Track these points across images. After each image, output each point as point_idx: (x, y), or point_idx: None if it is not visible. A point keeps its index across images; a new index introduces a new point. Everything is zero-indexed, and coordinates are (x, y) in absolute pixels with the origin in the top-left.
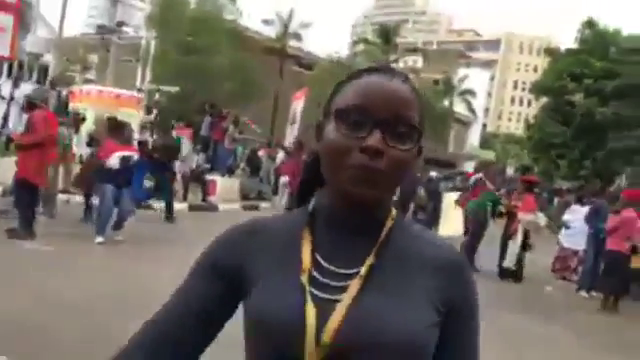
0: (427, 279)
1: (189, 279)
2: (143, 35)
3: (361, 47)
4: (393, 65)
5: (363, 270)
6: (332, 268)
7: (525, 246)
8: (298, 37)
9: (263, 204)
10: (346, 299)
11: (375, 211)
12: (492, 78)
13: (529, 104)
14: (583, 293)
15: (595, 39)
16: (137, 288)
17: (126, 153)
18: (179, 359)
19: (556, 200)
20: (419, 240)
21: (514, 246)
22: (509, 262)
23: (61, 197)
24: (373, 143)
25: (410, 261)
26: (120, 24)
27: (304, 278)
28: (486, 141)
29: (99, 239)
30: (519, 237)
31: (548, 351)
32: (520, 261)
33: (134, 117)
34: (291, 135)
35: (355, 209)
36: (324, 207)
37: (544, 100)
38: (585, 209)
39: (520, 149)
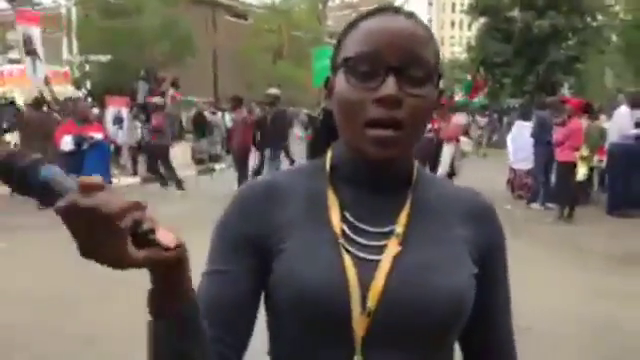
0: (461, 229)
1: (219, 260)
2: (62, 2)
3: None
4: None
5: (399, 228)
6: (365, 227)
7: (450, 175)
8: None
9: (217, 166)
10: (386, 259)
11: (400, 166)
12: (430, 3)
13: (469, 27)
14: (536, 206)
15: None
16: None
17: (84, 135)
18: (242, 346)
19: (505, 119)
20: (445, 190)
21: (447, 155)
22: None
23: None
24: (389, 92)
25: (441, 213)
26: None
27: (338, 237)
28: None
29: None
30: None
31: (517, 265)
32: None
33: (65, 93)
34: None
35: (378, 169)
36: (344, 163)
37: (482, 20)
38: (530, 124)
39: (464, 73)
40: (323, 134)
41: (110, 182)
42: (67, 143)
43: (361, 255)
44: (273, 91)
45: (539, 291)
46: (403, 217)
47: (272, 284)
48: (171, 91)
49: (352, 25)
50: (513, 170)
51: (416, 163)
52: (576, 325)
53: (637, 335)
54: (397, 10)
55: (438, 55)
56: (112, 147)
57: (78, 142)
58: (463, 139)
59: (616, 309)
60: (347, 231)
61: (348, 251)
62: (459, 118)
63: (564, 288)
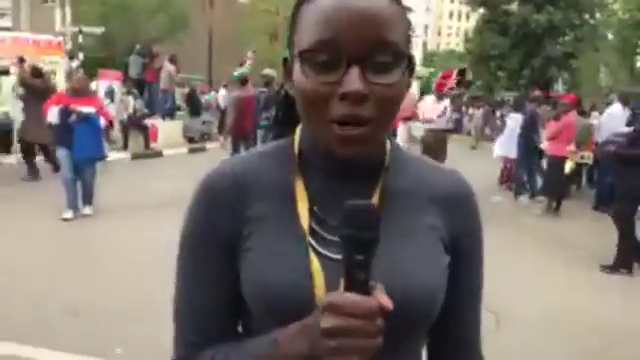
0: (433, 216)
1: (194, 261)
2: None
3: None
4: None
5: None
6: (334, 222)
7: None
8: None
9: (209, 145)
10: None
11: (370, 155)
12: None
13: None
14: (523, 199)
15: None
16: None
17: (73, 107)
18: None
19: (497, 112)
20: (420, 173)
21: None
22: None
23: None
24: (353, 87)
25: (413, 200)
26: None
27: (305, 234)
28: (427, 59)
29: (64, 214)
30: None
31: (502, 255)
32: None
33: (58, 64)
34: None
35: (347, 160)
36: (312, 150)
37: (481, 12)
38: (520, 116)
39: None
40: (285, 114)
41: (104, 157)
42: (53, 115)
43: (329, 254)
44: (268, 71)
45: (521, 281)
46: None
47: (241, 283)
48: (171, 67)
49: None
50: (500, 159)
51: (393, 142)
52: (557, 315)
53: (616, 327)
54: None
55: (409, 30)
56: (104, 122)
57: (63, 115)
58: (416, 123)
59: (595, 302)
60: (315, 227)
61: (315, 250)
62: (413, 93)
63: (545, 279)
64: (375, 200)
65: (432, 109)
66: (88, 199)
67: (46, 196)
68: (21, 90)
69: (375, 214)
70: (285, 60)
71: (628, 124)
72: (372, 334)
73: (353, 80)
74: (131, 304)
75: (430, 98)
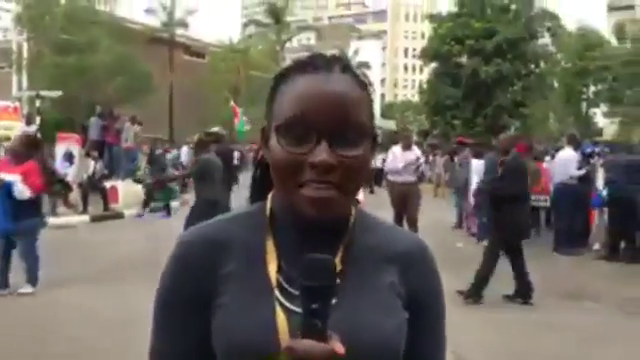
0: (393, 275)
1: (168, 322)
2: (12, 38)
3: (252, 29)
4: (289, 45)
5: None
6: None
7: None
8: (184, 25)
9: (174, 203)
10: None
11: (337, 217)
12: (384, 48)
13: (421, 70)
14: (486, 243)
15: (472, 1)
16: None
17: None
18: None
19: (456, 159)
20: (381, 234)
21: None
22: None
23: None
24: (322, 159)
25: (375, 259)
26: None
27: (273, 290)
28: (386, 111)
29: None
30: None
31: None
32: None
33: (15, 129)
34: None
35: (315, 226)
36: (282, 211)
37: (433, 65)
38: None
39: (417, 114)
40: (260, 182)
41: (15, 232)
42: None
43: (295, 308)
44: (216, 129)
45: (484, 327)
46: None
47: (213, 339)
48: (136, 127)
49: (285, 75)
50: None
51: (357, 207)
52: None
53: None
54: (330, 64)
55: (372, 106)
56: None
57: None
58: None
59: (562, 344)
60: (283, 283)
61: (282, 304)
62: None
63: (511, 324)
64: (338, 258)
65: (400, 159)
66: (27, 276)
67: None
68: None
69: (331, 266)
70: (263, 129)
71: (579, 168)
72: None
73: (322, 153)
74: None
75: (397, 148)
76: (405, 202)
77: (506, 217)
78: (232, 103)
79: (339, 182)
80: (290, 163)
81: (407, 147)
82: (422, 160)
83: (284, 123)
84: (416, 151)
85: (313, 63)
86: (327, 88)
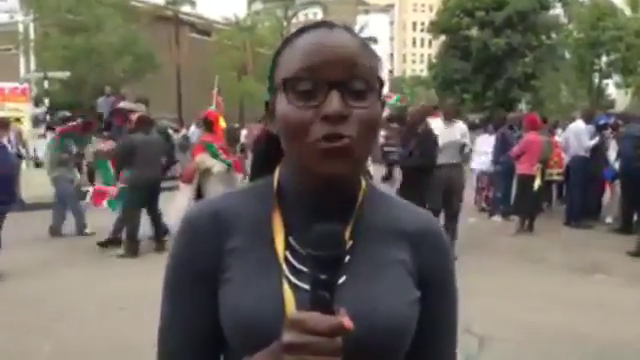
0: (404, 252)
1: (177, 297)
2: (19, 19)
3: (259, 6)
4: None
5: None
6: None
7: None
8: (190, 2)
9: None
10: None
11: (347, 188)
12: (392, 22)
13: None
14: (497, 218)
15: None
16: None
17: None
18: None
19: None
20: (392, 210)
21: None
22: None
23: None
24: (334, 109)
25: (385, 235)
26: None
27: (280, 265)
28: (394, 87)
29: None
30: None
31: (479, 276)
32: None
33: (24, 111)
34: None
35: (325, 190)
36: (290, 184)
37: (443, 38)
38: (492, 137)
39: (427, 89)
40: (264, 156)
41: None
42: None
43: (302, 285)
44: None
45: (500, 301)
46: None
47: (220, 314)
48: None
49: (287, 42)
50: (477, 179)
51: (364, 182)
52: (535, 334)
53: (595, 343)
54: (332, 25)
55: (377, 66)
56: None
57: None
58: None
59: (574, 317)
60: (290, 259)
61: (290, 281)
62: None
63: (524, 298)
64: (348, 233)
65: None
66: None
67: None
68: None
69: (340, 236)
70: (267, 103)
71: (592, 138)
72: (331, 352)
73: (334, 103)
74: None
75: (438, 122)
76: (450, 192)
77: (416, 189)
78: (215, 89)
79: (352, 133)
80: (301, 119)
81: (449, 122)
82: (467, 139)
83: (292, 76)
84: (461, 125)
85: (315, 24)
86: (331, 39)
